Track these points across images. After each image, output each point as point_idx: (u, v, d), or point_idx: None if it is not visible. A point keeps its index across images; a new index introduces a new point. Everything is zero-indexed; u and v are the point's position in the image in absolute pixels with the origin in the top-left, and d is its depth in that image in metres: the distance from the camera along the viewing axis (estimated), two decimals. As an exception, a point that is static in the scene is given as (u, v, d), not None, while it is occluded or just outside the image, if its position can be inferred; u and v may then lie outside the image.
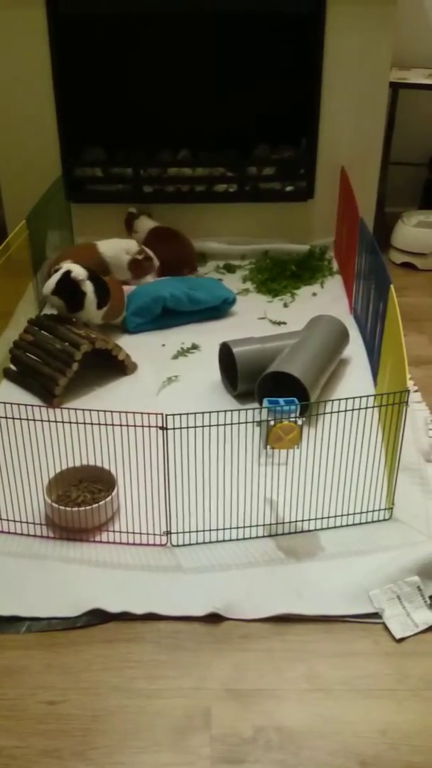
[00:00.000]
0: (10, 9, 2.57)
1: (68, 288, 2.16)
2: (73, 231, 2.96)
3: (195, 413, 1.47)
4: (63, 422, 1.52)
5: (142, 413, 1.47)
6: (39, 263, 2.52)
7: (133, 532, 1.62)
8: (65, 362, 2.07)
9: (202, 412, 1.48)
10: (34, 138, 2.78)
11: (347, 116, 2.78)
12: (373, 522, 1.67)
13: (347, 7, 2.60)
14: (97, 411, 1.50)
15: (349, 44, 2.66)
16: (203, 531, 1.62)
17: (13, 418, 1.54)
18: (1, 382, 2.19)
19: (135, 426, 1.48)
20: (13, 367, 2.21)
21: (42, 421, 1.53)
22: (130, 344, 2.31)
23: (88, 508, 1.62)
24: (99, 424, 1.50)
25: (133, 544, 1.62)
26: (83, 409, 1.51)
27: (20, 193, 2.73)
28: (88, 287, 2.19)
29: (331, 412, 1.56)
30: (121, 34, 2.79)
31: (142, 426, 1.48)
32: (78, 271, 2.17)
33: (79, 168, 2.89)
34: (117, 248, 2.61)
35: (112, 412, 1.49)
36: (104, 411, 1.49)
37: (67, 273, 2.16)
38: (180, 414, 1.47)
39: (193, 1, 2.60)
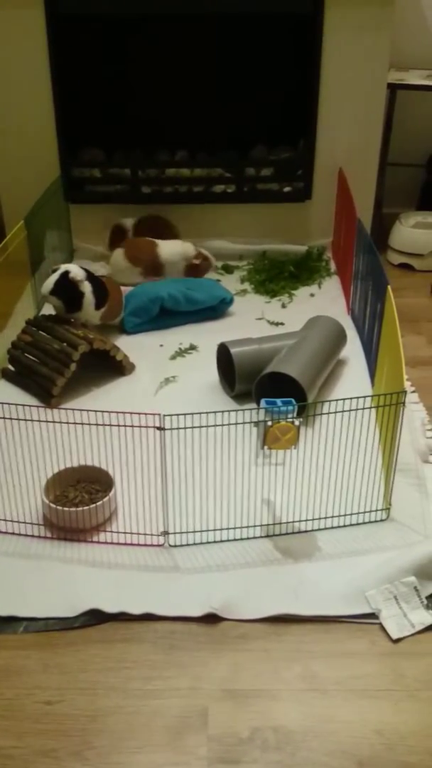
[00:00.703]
0: (9, 8, 2.57)
1: (67, 288, 2.17)
2: (72, 231, 2.96)
3: (192, 414, 1.47)
4: (61, 422, 1.52)
5: (139, 414, 1.47)
6: (37, 264, 2.53)
7: (131, 533, 1.62)
8: (63, 363, 2.07)
9: (200, 413, 1.48)
10: (33, 138, 2.78)
11: (345, 117, 2.78)
12: (370, 522, 1.67)
13: (345, 9, 2.61)
14: (95, 411, 1.50)
15: (347, 45, 2.66)
16: (200, 531, 1.62)
17: (11, 419, 1.54)
18: (-2, 383, 2.19)
19: (133, 426, 1.48)
20: (11, 367, 2.21)
21: (40, 421, 1.53)
22: (128, 345, 2.31)
23: (85, 508, 1.62)
24: (97, 424, 1.50)
25: (131, 544, 1.62)
26: (81, 410, 1.51)
27: (19, 193, 2.74)
28: (87, 288, 2.19)
29: (329, 413, 1.56)
30: (120, 34, 2.79)
31: (140, 426, 1.48)
32: (76, 272, 2.18)
33: (78, 169, 2.89)
34: (175, 253, 2.67)
35: (109, 412, 1.49)
36: (102, 411, 1.50)
37: (66, 273, 2.16)
38: (177, 414, 1.47)
39: (192, 2, 2.60)
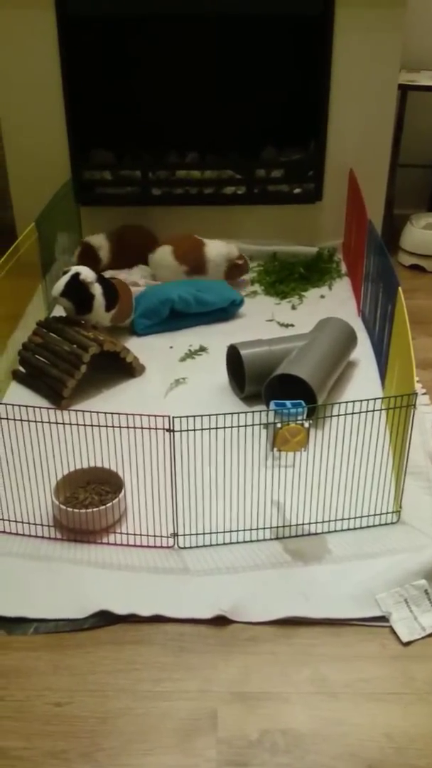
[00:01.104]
0: (20, 10, 2.58)
1: (77, 290, 2.17)
2: (82, 233, 2.97)
3: (202, 415, 1.47)
4: (71, 424, 1.53)
5: (149, 415, 1.47)
6: (48, 265, 2.53)
7: (140, 534, 1.62)
8: (73, 364, 2.07)
9: (209, 415, 1.48)
10: (44, 141, 2.79)
11: (356, 118, 2.78)
12: (380, 525, 1.67)
13: (356, 9, 2.60)
14: (105, 413, 1.50)
15: (357, 46, 2.66)
16: (210, 533, 1.62)
17: (21, 420, 1.54)
18: (9, 384, 2.19)
19: (142, 428, 1.49)
20: (21, 368, 2.22)
21: (50, 423, 1.53)
22: (138, 346, 2.32)
23: (95, 509, 1.62)
24: (106, 426, 1.51)
25: (140, 546, 1.62)
26: (91, 411, 1.51)
27: (29, 196, 2.75)
28: (97, 289, 2.20)
29: (338, 415, 1.56)
30: (130, 36, 2.80)
31: (150, 428, 1.48)
32: (87, 273, 2.18)
33: (88, 171, 2.90)
34: (220, 254, 2.69)
35: (119, 414, 1.49)
36: (112, 413, 1.50)
37: (76, 275, 2.17)
38: (187, 416, 1.47)
39: (202, 3, 2.61)
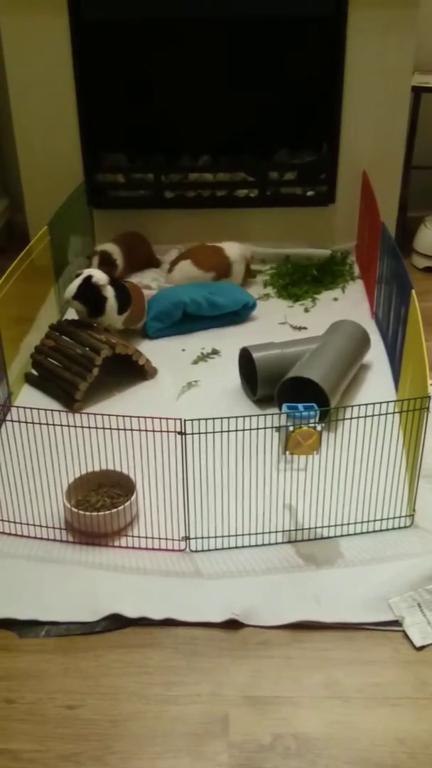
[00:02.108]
0: (34, 15, 2.59)
1: (90, 293, 2.18)
2: (95, 236, 2.98)
3: (213, 418, 1.47)
4: (83, 427, 1.53)
5: (161, 418, 1.47)
6: (61, 268, 2.54)
7: (152, 537, 1.62)
8: (86, 367, 2.08)
9: (221, 418, 1.48)
10: (57, 144, 2.80)
11: (369, 120, 2.77)
12: (393, 529, 1.66)
13: (368, 11, 2.59)
14: (116, 416, 1.50)
15: (370, 48, 2.65)
16: (222, 537, 1.61)
17: (33, 423, 1.55)
18: (22, 387, 2.20)
19: (154, 431, 1.48)
20: (34, 371, 2.22)
21: (62, 425, 1.54)
22: (150, 349, 2.32)
23: (107, 512, 1.62)
24: (118, 429, 1.51)
25: (152, 549, 1.62)
26: (103, 414, 1.51)
27: (42, 199, 2.75)
28: (109, 292, 2.20)
29: (351, 418, 1.55)
30: (142, 40, 2.80)
31: (161, 431, 1.48)
32: (99, 276, 2.19)
33: (101, 174, 2.91)
34: (239, 254, 2.72)
35: (131, 417, 1.49)
36: (123, 416, 1.50)
37: (89, 278, 2.17)
38: (198, 419, 1.47)
39: (214, 6, 2.61)
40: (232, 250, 2.72)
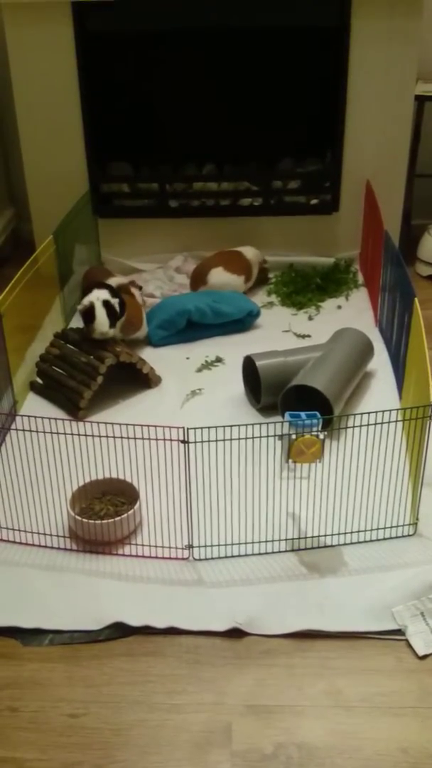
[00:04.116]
0: (39, 26, 2.61)
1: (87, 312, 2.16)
2: (100, 245, 2.99)
3: (216, 427, 1.48)
4: (87, 435, 1.54)
5: (164, 426, 1.48)
6: (66, 277, 2.55)
7: (156, 546, 1.62)
8: (90, 376, 2.08)
9: (223, 426, 1.48)
10: (62, 154, 2.82)
11: (372, 129, 2.78)
12: (397, 537, 1.66)
13: (372, 21, 2.61)
14: (120, 424, 1.51)
15: (373, 57, 2.66)
16: (225, 545, 1.62)
17: (37, 431, 1.55)
18: (27, 395, 2.21)
19: (157, 439, 1.49)
20: (39, 380, 2.23)
21: (65, 434, 1.54)
22: (154, 357, 2.32)
23: (111, 521, 1.63)
24: (121, 437, 1.51)
25: (155, 557, 1.62)
26: (106, 423, 1.52)
27: (48, 208, 2.77)
28: (98, 306, 2.15)
29: (354, 426, 1.56)
30: (147, 50, 2.82)
31: (164, 439, 1.48)
32: (95, 295, 2.17)
33: (106, 184, 2.92)
34: (254, 256, 2.78)
35: (134, 425, 1.50)
36: (127, 424, 1.50)
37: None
38: (201, 428, 1.47)
39: (218, 16, 2.62)
40: (250, 253, 2.76)
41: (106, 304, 2.13)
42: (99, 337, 2.13)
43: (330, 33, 2.65)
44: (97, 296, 2.14)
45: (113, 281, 2.46)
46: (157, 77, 2.87)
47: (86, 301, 2.14)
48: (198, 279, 2.70)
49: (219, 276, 2.66)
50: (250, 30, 2.71)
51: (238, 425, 1.49)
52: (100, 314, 2.12)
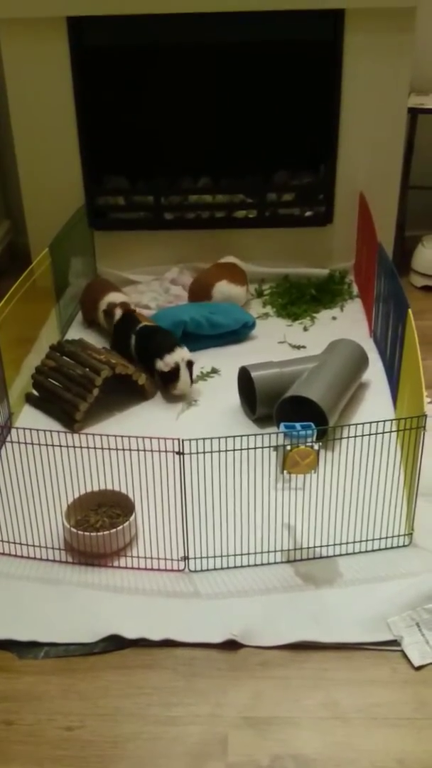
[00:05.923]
0: (35, 41, 2.63)
1: None
2: (96, 258, 3.00)
3: (211, 438, 1.48)
4: (82, 447, 1.54)
5: (159, 438, 1.48)
6: (62, 290, 2.56)
7: (151, 558, 1.62)
8: (86, 387, 2.09)
9: (219, 437, 1.49)
10: (58, 167, 2.83)
11: (366, 142, 2.79)
12: (392, 548, 1.66)
13: (366, 34, 2.63)
14: (115, 436, 1.51)
15: (367, 71, 2.68)
16: (221, 557, 1.62)
17: (33, 444, 1.56)
18: (23, 407, 2.21)
19: (152, 451, 1.49)
20: (35, 392, 2.23)
21: (60, 446, 1.54)
22: (150, 369, 2.33)
23: (106, 533, 1.63)
24: (117, 449, 1.52)
25: (151, 569, 1.62)
26: (101, 435, 1.52)
27: (44, 221, 2.78)
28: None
29: (348, 437, 1.56)
30: (142, 64, 2.84)
31: (159, 451, 1.49)
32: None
33: (102, 197, 2.94)
34: (243, 265, 2.84)
35: (129, 437, 1.50)
36: (122, 436, 1.51)
37: None
38: (196, 439, 1.48)
39: (213, 31, 2.64)
40: (240, 263, 2.79)
41: (189, 364, 2.19)
42: (178, 393, 2.20)
43: (324, 47, 2.68)
44: (181, 357, 2.19)
45: (116, 297, 2.48)
46: (153, 91, 2.89)
47: (171, 361, 2.18)
48: (201, 292, 2.70)
49: (223, 290, 2.67)
50: (245, 44, 2.73)
51: (233, 436, 1.50)
52: (184, 375, 2.18)
